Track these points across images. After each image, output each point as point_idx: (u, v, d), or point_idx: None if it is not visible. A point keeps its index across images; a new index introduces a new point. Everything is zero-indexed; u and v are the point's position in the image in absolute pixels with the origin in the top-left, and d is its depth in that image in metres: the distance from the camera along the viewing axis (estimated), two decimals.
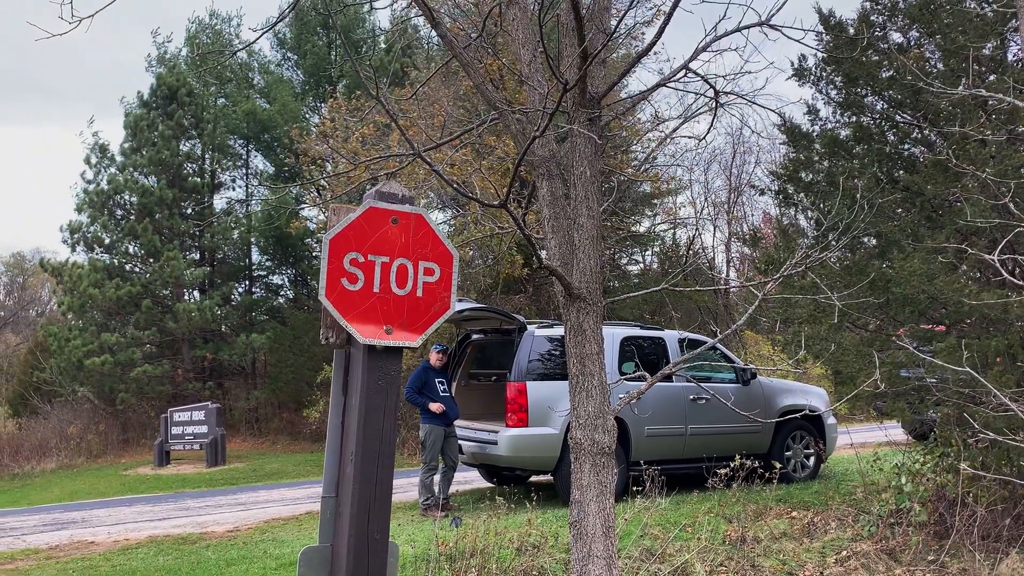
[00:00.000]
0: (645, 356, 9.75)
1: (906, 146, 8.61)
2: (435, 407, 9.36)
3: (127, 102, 27.27)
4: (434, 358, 9.73)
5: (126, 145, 24.10)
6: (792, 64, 8.74)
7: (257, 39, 11.67)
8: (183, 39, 30.35)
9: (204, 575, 7.27)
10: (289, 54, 28.54)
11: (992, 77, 7.55)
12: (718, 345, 9.02)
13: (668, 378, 6.08)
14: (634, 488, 8.02)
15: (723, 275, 27.75)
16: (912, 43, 8.47)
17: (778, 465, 8.20)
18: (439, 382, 9.61)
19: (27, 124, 72.93)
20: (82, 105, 68.76)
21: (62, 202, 77.36)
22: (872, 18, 8.52)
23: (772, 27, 5.00)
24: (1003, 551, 6.30)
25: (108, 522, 11.08)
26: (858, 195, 6.37)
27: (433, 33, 15.09)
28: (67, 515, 12.11)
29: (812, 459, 10.75)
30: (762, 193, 27.48)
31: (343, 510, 3.07)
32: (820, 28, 8.43)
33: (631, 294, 7.11)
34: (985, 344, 6.42)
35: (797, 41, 5.34)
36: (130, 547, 8.93)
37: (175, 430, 19.10)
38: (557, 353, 9.42)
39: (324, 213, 21.12)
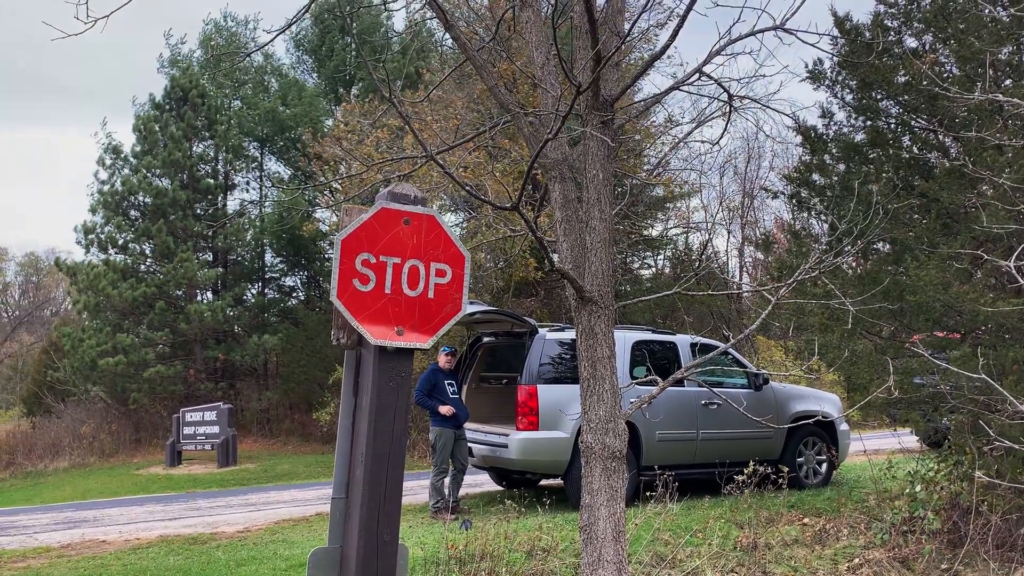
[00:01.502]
0: (657, 360, 9.71)
1: (922, 151, 8.55)
2: (445, 410, 9.35)
3: (139, 103, 27.38)
4: (443, 360, 9.72)
5: (138, 147, 24.24)
6: (806, 66, 8.70)
7: (271, 40, 11.73)
8: (197, 41, 30.52)
9: (214, 575, 7.28)
10: (304, 56, 28.66)
11: (1008, 82, 7.49)
12: (730, 350, 8.98)
13: (680, 382, 6.07)
14: (646, 493, 7.99)
15: (736, 280, 27.63)
16: (927, 48, 8.41)
17: (786, 470, 8.15)
18: (448, 384, 9.60)
19: (38, 124, 73.57)
20: (93, 106, 69.36)
21: (67, 201, 78.01)
22: (886, 23, 8.47)
23: (786, 31, 4.98)
24: (1018, 560, 6.24)
25: (119, 521, 11.13)
26: (873, 200, 6.33)
27: (447, 36, 15.12)
28: (79, 514, 12.17)
29: (824, 466, 10.68)
30: (775, 197, 27.32)
31: (353, 512, 3.07)
32: (835, 32, 8.38)
33: (643, 298, 7.09)
34: (1002, 354, 6.36)
35: (812, 45, 5.33)
36: (141, 546, 8.96)
37: (187, 430, 19.17)
38: (568, 357, 9.39)
39: (337, 215, 21.18)
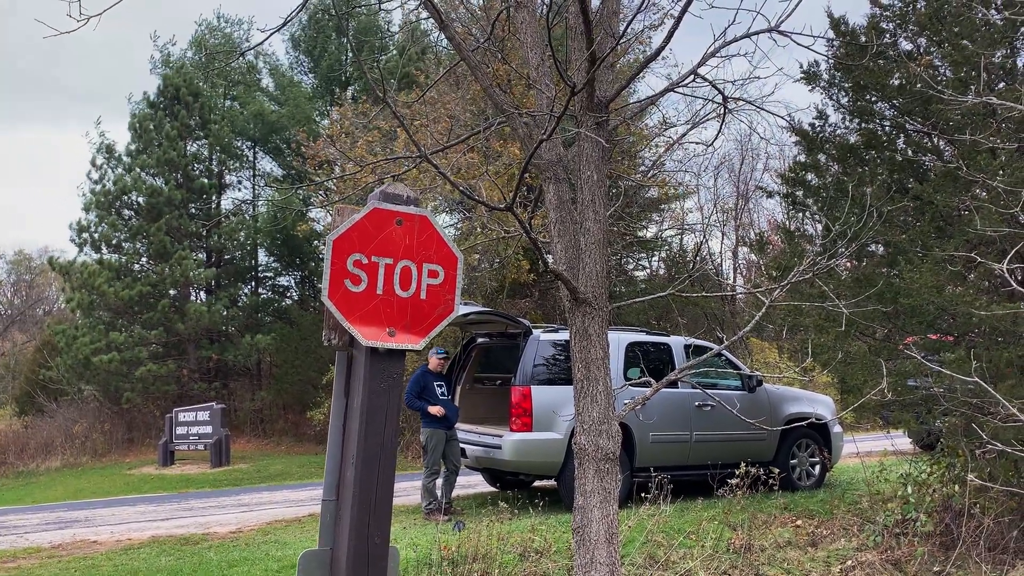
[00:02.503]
0: (650, 362, 9.71)
1: (916, 154, 8.57)
2: (434, 410, 9.32)
3: (134, 101, 27.28)
4: (433, 362, 9.69)
5: (134, 146, 24.16)
6: (801, 67, 8.72)
7: (264, 40, 11.66)
8: (188, 41, 30.37)
9: None
10: (301, 56, 28.58)
11: (1002, 85, 7.51)
12: (724, 352, 8.97)
13: (673, 384, 6.06)
14: (640, 495, 7.98)
15: (730, 281, 27.67)
16: (921, 51, 8.43)
17: (780, 472, 8.13)
18: (438, 385, 9.58)
19: (38, 124, 73.30)
20: (93, 106, 69.05)
21: (66, 201, 77.72)
22: (881, 25, 8.48)
23: (781, 33, 4.98)
24: (1010, 563, 6.25)
25: (111, 521, 11.08)
26: (867, 203, 6.34)
27: (443, 37, 15.10)
28: (70, 514, 12.12)
29: (817, 467, 10.69)
30: (770, 196, 27.43)
31: (343, 514, 3.05)
32: (830, 35, 8.39)
33: (637, 299, 7.09)
34: (996, 357, 6.37)
35: (806, 47, 5.33)
36: (132, 547, 8.92)
37: (180, 430, 19.12)
38: (562, 358, 9.38)
39: (330, 215, 21.12)
